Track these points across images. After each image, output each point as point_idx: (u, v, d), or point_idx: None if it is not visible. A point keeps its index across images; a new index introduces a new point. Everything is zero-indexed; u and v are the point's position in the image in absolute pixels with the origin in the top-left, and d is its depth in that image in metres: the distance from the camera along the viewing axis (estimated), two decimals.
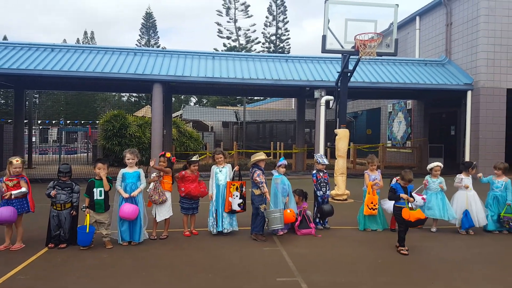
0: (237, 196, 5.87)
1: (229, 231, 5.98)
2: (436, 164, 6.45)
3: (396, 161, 18.07)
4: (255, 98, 35.59)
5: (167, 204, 5.84)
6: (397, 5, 8.96)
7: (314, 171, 6.77)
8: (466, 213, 6.12)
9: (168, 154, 5.97)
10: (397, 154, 18.89)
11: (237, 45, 38.99)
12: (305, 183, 9.47)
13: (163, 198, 5.73)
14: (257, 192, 5.82)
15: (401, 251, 5.13)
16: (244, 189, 5.96)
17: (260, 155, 5.98)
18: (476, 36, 13.55)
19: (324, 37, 8.94)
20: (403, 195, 5.19)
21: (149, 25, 43.90)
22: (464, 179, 6.34)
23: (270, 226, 5.63)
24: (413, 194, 6.34)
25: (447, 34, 15.25)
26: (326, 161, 6.78)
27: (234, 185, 5.89)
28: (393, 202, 5.36)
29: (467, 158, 13.22)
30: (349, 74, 9.88)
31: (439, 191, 6.35)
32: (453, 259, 4.98)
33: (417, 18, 17.33)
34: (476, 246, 5.59)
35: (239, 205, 5.88)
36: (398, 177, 6.30)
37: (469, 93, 13.60)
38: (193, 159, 6.07)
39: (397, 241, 5.28)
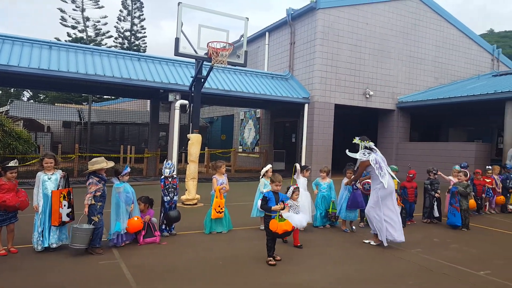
0: (65, 205, 5.20)
1: (58, 245, 5.26)
2: (270, 166, 7.04)
3: (246, 165, 19.18)
4: (105, 96, 32.92)
5: None
6: (247, 18, 9.49)
7: (163, 177, 6.55)
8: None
9: None
10: (247, 159, 20.08)
11: (85, 37, 35.28)
12: (155, 189, 9.13)
13: None
14: (92, 202, 5.26)
15: (269, 262, 4.94)
16: (72, 197, 5.34)
17: (100, 163, 5.32)
18: (313, 57, 15.51)
19: (177, 40, 8.79)
20: (275, 207, 4.97)
21: None
22: (300, 180, 7.06)
23: (72, 243, 5.03)
24: (259, 200, 6.74)
25: (290, 52, 17.02)
26: (167, 173, 6.50)
27: (62, 193, 5.20)
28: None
29: (303, 162, 14.94)
30: (202, 80, 9.98)
31: None
32: (284, 253, 5.33)
33: (267, 33, 18.85)
34: (303, 241, 6.09)
35: (68, 215, 5.22)
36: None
37: (306, 106, 15.44)
38: (10, 165, 5.07)
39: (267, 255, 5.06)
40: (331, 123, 15.48)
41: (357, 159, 6.32)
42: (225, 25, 9.36)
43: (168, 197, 6.40)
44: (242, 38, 9.98)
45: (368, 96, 16.25)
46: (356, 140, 6.37)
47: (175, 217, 6.28)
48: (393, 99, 17.01)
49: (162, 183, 6.47)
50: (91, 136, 20.85)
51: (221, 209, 6.48)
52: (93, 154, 14.14)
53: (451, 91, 15.83)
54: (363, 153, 6.21)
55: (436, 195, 7.90)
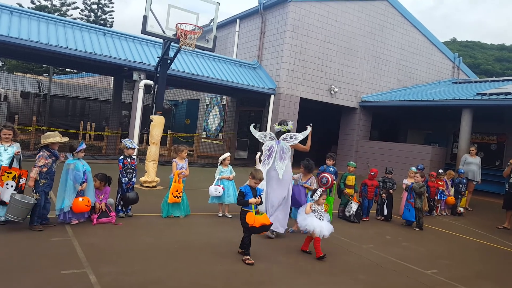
0: (12, 186, 5.05)
1: (6, 219, 5.10)
2: (228, 154, 7.13)
3: (209, 151, 19.17)
4: (67, 69, 31.44)
5: None
6: (218, 3, 9.43)
7: (121, 157, 6.47)
8: None
9: None
10: (210, 145, 20.06)
11: (49, 6, 33.35)
12: (114, 168, 8.95)
13: None
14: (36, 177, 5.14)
15: (246, 261, 4.61)
16: (22, 181, 5.17)
17: (53, 137, 5.21)
18: (282, 48, 15.62)
19: (145, 18, 8.61)
20: (251, 200, 4.72)
21: None
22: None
23: (7, 212, 4.90)
24: (211, 186, 6.80)
25: (260, 41, 17.03)
26: (135, 145, 6.56)
27: (11, 173, 5.05)
28: (304, 215, 5.15)
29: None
30: (169, 61, 9.85)
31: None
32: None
33: (238, 21, 18.71)
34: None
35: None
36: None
37: (272, 97, 15.59)
38: None
39: (239, 247, 4.91)
40: (295, 116, 15.75)
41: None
42: (196, 8, 9.27)
43: (126, 178, 6.34)
44: (212, 23, 9.94)
45: (333, 92, 16.65)
46: (275, 125, 6.15)
47: (133, 199, 6.25)
48: (357, 97, 17.54)
49: (121, 163, 6.36)
50: (50, 109, 20.00)
51: (179, 193, 6.49)
52: (51, 128, 13.62)
53: (413, 94, 16.53)
54: (264, 136, 6.04)
55: (383, 195, 8.04)
